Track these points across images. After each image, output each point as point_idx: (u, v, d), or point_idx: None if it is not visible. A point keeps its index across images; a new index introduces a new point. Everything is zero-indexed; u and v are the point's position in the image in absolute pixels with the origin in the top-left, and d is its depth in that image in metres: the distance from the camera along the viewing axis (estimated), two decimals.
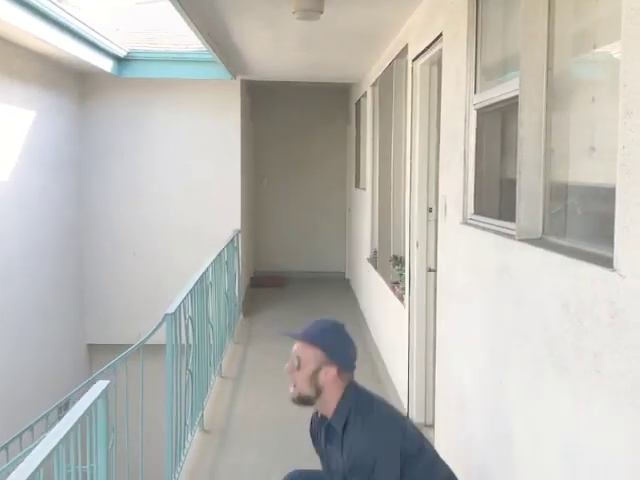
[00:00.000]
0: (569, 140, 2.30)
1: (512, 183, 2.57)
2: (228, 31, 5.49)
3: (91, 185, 8.20)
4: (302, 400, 2.39)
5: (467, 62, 3.17)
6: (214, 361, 5.60)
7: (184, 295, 4.08)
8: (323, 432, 2.44)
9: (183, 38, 7.94)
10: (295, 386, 2.38)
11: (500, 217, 2.81)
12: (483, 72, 3.10)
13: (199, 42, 6.52)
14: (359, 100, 8.59)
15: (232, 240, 7.34)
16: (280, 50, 6.32)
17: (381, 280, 6.12)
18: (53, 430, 2.09)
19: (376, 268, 6.60)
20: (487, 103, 2.96)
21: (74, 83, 7.90)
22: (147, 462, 3.82)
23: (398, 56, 5.36)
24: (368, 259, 7.26)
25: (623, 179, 1.63)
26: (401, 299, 5.12)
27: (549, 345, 2.05)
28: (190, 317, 4.38)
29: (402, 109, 5.47)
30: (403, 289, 5.10)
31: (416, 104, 4.64)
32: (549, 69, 2.32)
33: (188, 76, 7.71)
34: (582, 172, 2.24)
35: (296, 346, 2.40)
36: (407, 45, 4.81)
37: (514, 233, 2.41)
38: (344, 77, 8.33)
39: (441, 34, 3.77)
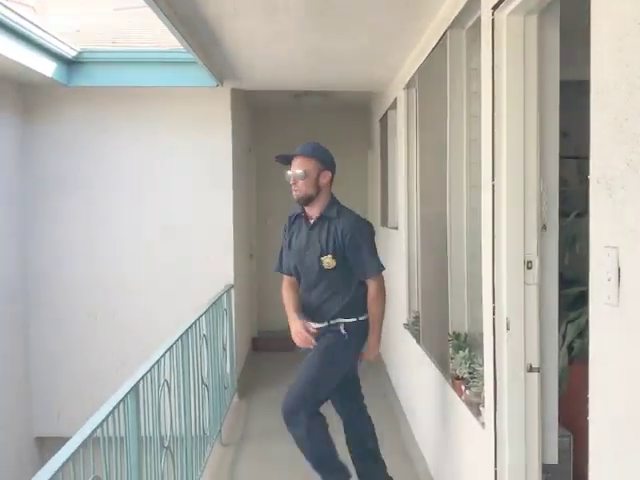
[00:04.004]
0: None
1: None
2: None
3: (35, 230, 6.24)
4: (306, 198, 3.58)
5: None
6: None
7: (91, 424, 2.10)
8: (305, 224, 3.67)
9: (154, 37, 6.12)
10: (299, 191, 3.57)
11: None
12: None
13: (170, 38, 4.68)
14: (385, 115, 6.66)
15: (218, 300, 5.38)
16: (276, 31, 4.37)
17: (431, 365, 4.10)
18: None
19: (419, 342, 4.58)
20: None
21: (13, 97, 6.04)
22: None
23: (455, 22, 3.45)
24: (405, 325, 5.26)
25: None
26: (474, 409, 3.11)
27: None
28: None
29: (461, 102, 3.54)
30: (479, 395, 3.08)
31: (501, 84, 2.70)
32: None
33: (159, 83, 5.75)
34: None
35: (298, 162, 3.57)
36: None
37: None
38: (365, 80, 6.25)
39: None
